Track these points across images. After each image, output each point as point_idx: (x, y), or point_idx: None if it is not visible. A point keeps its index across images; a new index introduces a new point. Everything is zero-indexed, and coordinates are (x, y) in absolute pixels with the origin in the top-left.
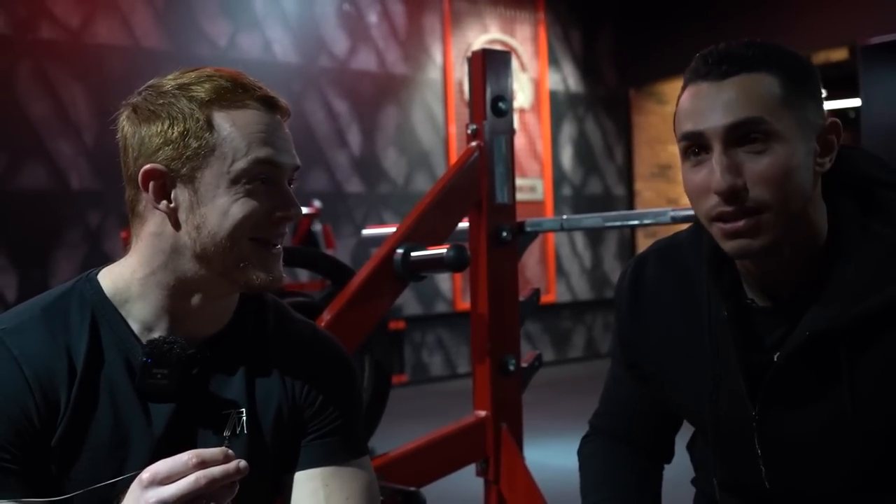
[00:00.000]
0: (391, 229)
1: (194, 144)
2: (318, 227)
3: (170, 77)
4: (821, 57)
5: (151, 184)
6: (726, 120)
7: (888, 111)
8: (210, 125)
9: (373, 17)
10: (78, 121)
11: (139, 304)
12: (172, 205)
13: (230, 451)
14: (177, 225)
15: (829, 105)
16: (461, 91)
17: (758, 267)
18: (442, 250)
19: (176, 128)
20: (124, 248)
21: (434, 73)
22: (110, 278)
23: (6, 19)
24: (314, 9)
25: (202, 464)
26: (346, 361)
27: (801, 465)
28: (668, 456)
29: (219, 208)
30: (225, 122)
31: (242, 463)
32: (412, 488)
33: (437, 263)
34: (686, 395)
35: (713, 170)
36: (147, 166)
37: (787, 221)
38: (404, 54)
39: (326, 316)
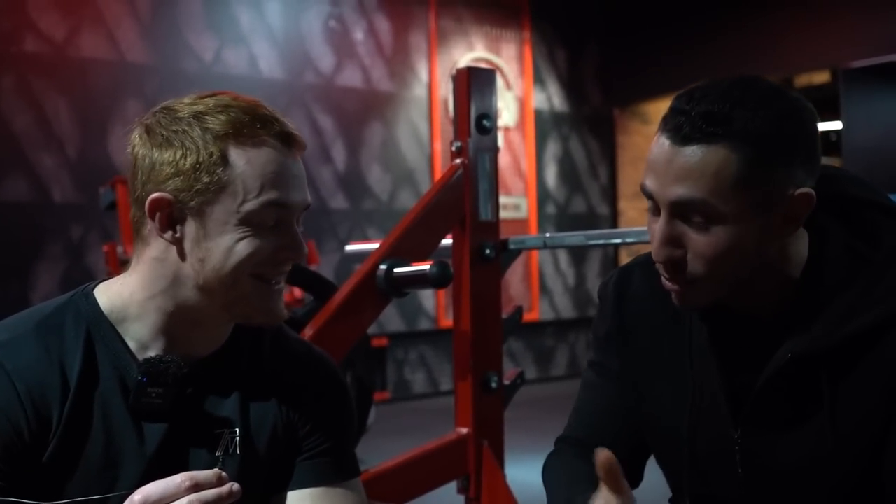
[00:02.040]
0: (375, 245)
1: (206, 179)
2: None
3: (187, 101)
4: (803, 80)
5: (158, 213)
6: (672, 195)
7: (869, 134)
8: (224, 160)
9: (359, 34)
10: (61, 134)
11: (136, 325)
12: (178, 235)
13: (224, 473)
14: (181, 255)
15: None
16: (446, 109)
17: (735, 298)
18: (425, 266)
19: (188, 159)
20: (106, 263)
21: (419, 91)
22: (107, 295)
23: None
24: (300, 25)
25: (195, 486)
26: (340, 382)
27: (782, 489)
28: (637, 480)
29: (224, 244)
30: (240, 160)
31: (235, 486)
32: None
33: (420, 279)
34: (665, 414)
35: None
36: (155, 195)
37: (728, 288)
38: (390, 71)
39: (309, 331)
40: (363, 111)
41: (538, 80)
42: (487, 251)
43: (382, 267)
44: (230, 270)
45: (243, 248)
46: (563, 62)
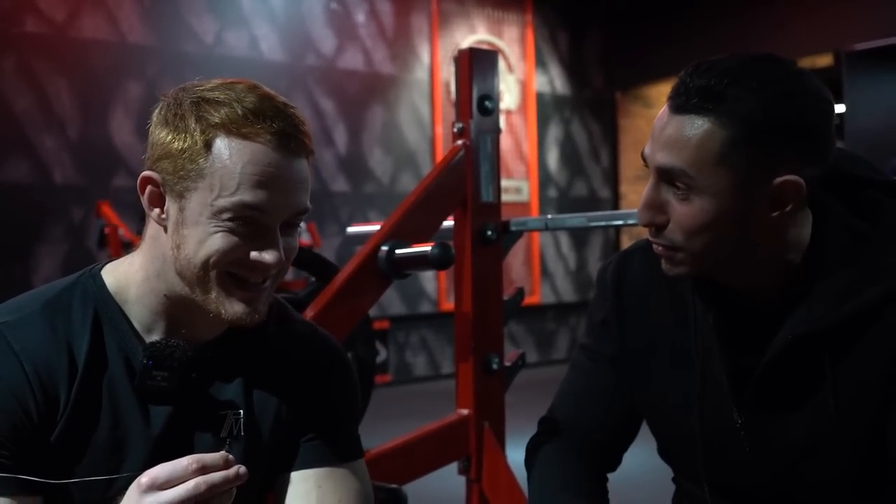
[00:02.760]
0: (376, 227)
1: (189, 165)
2: (302, 224)
3: (207, 85)
4: (805, 62)
5: (147, 189)
6: (657, 160)
7: (872, 117)
8: (208, 150)
9: (360, 16)
10: (62, 115)
11: (136, 307)
12: (164, 216)
13: (230, 456)
14: (166, 235)
15: None
16: (448, 91)
17: (731, 281)
18: (426, 248)
19: (177, 143)
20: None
21: (421, 73)
22: (114, 276)
23: None
24: (301, 7)
25: (202, 469)
26: (345, 363)
27: (790, 469)
28: (616, 463)
29: (197, 235)
30: (224, 151)
31: (242, 469)
32: (394, 486)
33: (421, 261)
34: (671, 398)
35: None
36: (146, 172)
37: (707, 262)
38: (391, 54)
39: (310, 312)
40: (364, 94)
41: (540, 63)
42: (489, 233)
43: (384, 248)
44: (200, 263)
45: (213, 242)
46: (565, 45)
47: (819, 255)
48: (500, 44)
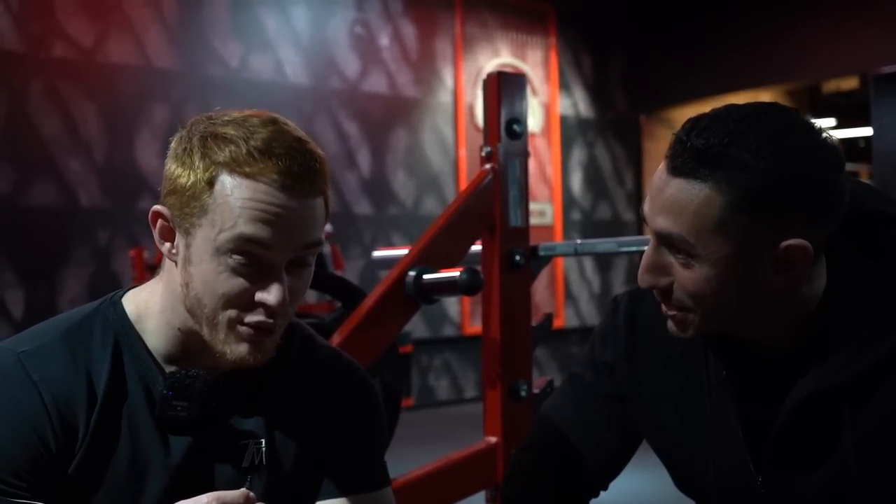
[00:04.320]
0: (402, 251)
1: (193, 202)
2: (326, 248)
3: (217, 117)
4: (831, 86)
5: (158, 223)
6: (656, 224)
7: None
8: (211, 187)
9: (384, 40)
10: (88, 139)
11: (154, 337)
12: (174, 250)
13: (251, 493)
14: (177, 270)
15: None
16: (472, 115)
17: (743, 334)
18: (455, 273)
19: (183, 179)
20: (133, 267)
21: (445, 97)
22: (135, 304)
23: (20, 37)
24: (326, 31)
25: None
26: (370, 391)
27: None
28: (598, 491)
29: (203, 274)
30: (225, 188)
31: None
32: None
33: (450, 286)
34: (685, 446)
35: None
36: (157, 206)
37: (721, 321)
38: (415, 77)
39: (337, 338)
40: (388, 117)
41: (564, 86)
42: (517, 258)
43: (411, 273)
44: (207, 303)
45: (219, 285)
46: (589, 68)
47: (835, 302)
48: (524, 67)
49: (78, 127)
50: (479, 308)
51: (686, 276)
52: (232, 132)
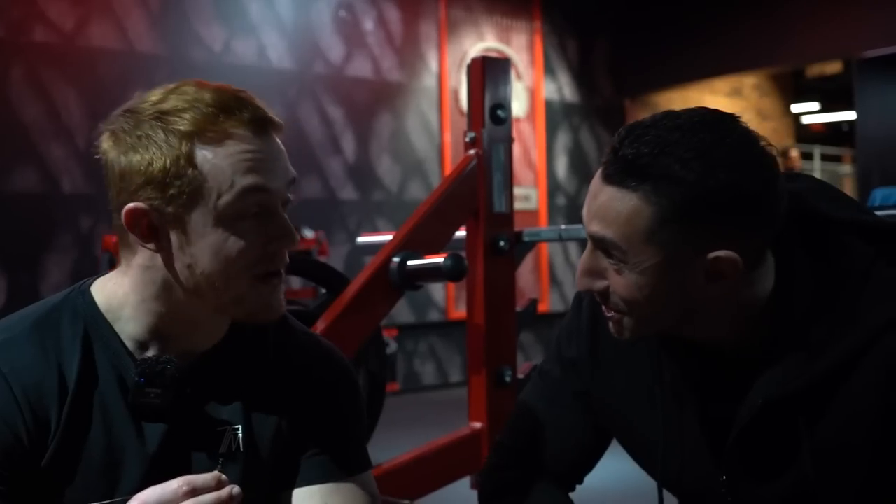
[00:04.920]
0: (387, 237)
1: (177, 183)
2: (309, 233)
3: (152, 99)
4: (815, 70)
5: (136, 224)
6: (591, 229)
7: (882, 124)
8: (192, 162)
9: (369, 24)
10: (70, 124)
11: (130, 324)
12: (161, 243)
13: (223, 476)
14: (167, 262)
15: (822, 118)
16: (456, 99)
17: (690, 335)
18: (439, 259)
19: (156, 165)
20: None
21: (429, 81)
22: (104, 294)
23: (0, 22)
24: (310, 15)
25: (193, 491)
26: (348, 374)
27: None
28: (574, 486)
29: (210, 247)
30: (207, 157)
31: (236, 489)
32: (406, 501)
33: (434, 272)
34: (649, 452)
35: None
36: (130, 205)
37: (653, 328)
38: (400, 62)
39: (321, 325)
40: (373, 102)
41: (549, 71)
42: (502, 243)
43: (395, 259)
44: (221, 273)
45: (231, 247)
46: (574, 52)
47: (785, 305)
48: (509, 51)
49: (59, 112)
50: (464, 293)
51: (619, 282)
52: (180, 104)
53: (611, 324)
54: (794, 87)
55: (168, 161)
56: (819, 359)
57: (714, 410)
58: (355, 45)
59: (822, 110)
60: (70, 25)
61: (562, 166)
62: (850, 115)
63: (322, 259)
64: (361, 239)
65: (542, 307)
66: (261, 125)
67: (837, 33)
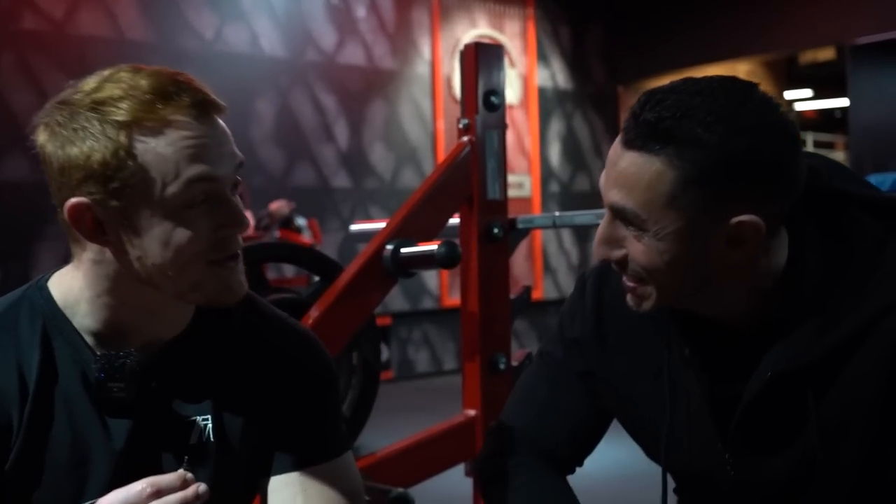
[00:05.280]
0: (380, 225)
1: (119, 176)
2: (302, 220)
3: (83, 89)
4: (808, 56)
5: (82, 217)
6: (609, 198)
7: (876, 112)
8: (131, 153)
9: (361, 11)
10: None
11: (88, 319)
12: (108, 237)
13: (189, 474)
14: (117, 255)
15: (815, 105)
16: (449, 86)
17: (703, 311)
18: (433, 247)
19: (95, 158)
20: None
21: (422, 68)
22: (60, 289)
23: None
24: (302, 2)
25: (158, 492)
26: (320, 355)
27: (776, 502)
28: (574, 469)
29: (158, 238)
30: (149, 147)
31: (202, 487)
32: (401, 489)
33: (427, 260)
34: (652, 432)
35: None
36: (72, 201)
37: (678, 294)
38: (392, 49)
39: (314, 312)
40: (365, 89)
41: (542, 58)
42: (495, 230)
43: (389, 247)
44: (172, 263)
45: (179, 237)
46: (567, 39)
47: (796, 281)
48: (502, 38)
49: (50, 100)
50: (458, 280)
51: (638, 250)
52: (116, 92)
53: (629, 296)
54: (787, 74)
55: (107, 154)
56: (828, 333)
57: (720, 390)
58: (347, 33)
59: (815, 97)
60: (60, 13)
61: (555, 153)
62: (843, 102)
63: (315, 246)
64: (355, 226)
65: (536, 294)
66: (202, 109)
67: (830, 20)
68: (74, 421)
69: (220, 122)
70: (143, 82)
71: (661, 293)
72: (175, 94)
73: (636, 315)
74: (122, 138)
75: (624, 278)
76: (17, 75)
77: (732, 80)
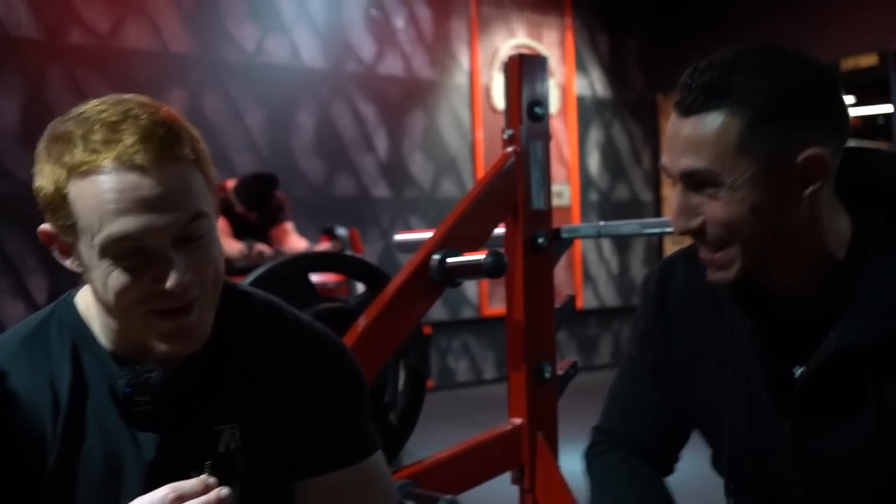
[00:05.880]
0: (423, 235)
1: (59, 214)
2: (342, 231)
3: (63, 118)
4: (850, 63)
5: (52, 243)
6: (680, 166)
7: None
8: (65, 195)
9: (400, 22)
10: None
11: (103, 337)
12: (75, 262)
13: (211, 479)
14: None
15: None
16: (488, 96)
17: (773, 285)
18: (480, 256)
19: (44, 193)
20: None
21: (461, 78)
22: (84, 304)
23: (37, 24)
24: (341, 14)
25: (180, 498)
26: (345, 358)
27: (833, 481)
28: (670, 470)
29: (99, 279)
30: (78, 193)
31: (224, 491)
32: (449, 496)
33: (474, 270)
34: (712, 407)
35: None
36: (42, 226)
37: (760, 252)
38: (431, 59)
39: (362, 322)
40: (405, 99)
41: (580, 67)
42: (540, 240)
43: (436, 257)
44: (114, 305)
45: (113, 282)
46: (606, 48)
47: (860, 262)
48: (540, 48)
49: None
50: (497, 290)
51: (716, 209)
52: (73, 130)
53: (710, 271)
54: None
55: (50, 192)
56: (891, 317)
57: (780, 368)
58: (387, 44)
59: (858, 104)
60: (106, 27)
61: (594, 162)
62: (887, 109)
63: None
64: (399, 236)
65: (577, 304)
66: (143, 156)
67: (872, 26)
68: (106, 433)
69: (173, 172)
70: (100, 118)
71: (744, 253)
72: (117, 140)
73: (698, 300)
74: (60, 181)
75: (702, 254)
76: (65, 89)
77: (767, 44)
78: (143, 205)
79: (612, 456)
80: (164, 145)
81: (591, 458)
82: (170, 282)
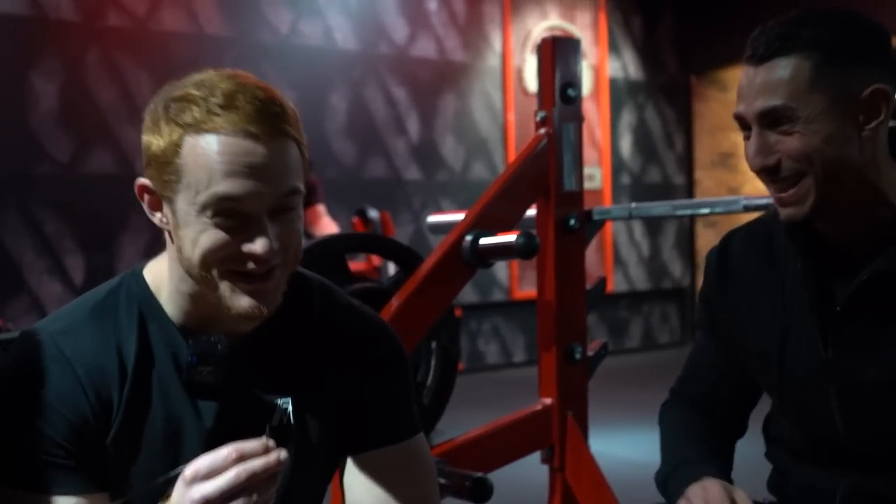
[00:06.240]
0: (457, 216)
1: (168, 168)
2: (374, 213)
3: (179, 85)
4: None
5: (145, 197)
6: (756, 107)
7: None
8: (177, 151)
9: (432, 5)
10: (143, 107)
11: (170, 307)
12: (164, 219)
13: (271, 441)
14: (171, 240)
15: None
16: (520, 78)
17: (830, 234)
18: (511, 237)
19: (153, 148)
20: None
21: (493, 61)
22: (152, 275)
23: (76, 7)
24: None
25: (242, 458)
26: (392, 341)
27: (874, 410)
28: (742, 430)
29: (190, 235)
30: (194, 149)
31: (283, 454)
32: (479, 474)
33: (506, 250)
34: (760, 344)
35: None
36: (140, 180)
37: (830, 185)
38: (463, 41)
39: (395, 302)
40: (437, 82)
41: (613, 48)
42: (572, 222)
43: (468, 238)
44: (197, 262)
45: (205, 240)
46: (639, 29)
47: None
48: (573, 29)
49: (133, 95)
50: (527, 273)
51: (791, 143)
52: (193, 92)
53: (783, 210)
54: None
55: (162, 147)
56: None
57: (829, 304)
58: (419, 26)
59: None
60: (143, 10)
61: (626, 145)
62: None
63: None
64: (432, 218)
65: (607, 287)
66: (259, 127)
67: None
68: (168, 401)
69: (281, 147)
70: (220, 88)
71: (817, 185)
72: (239, 107)
73: (753, 261)
74: (176, 137)
75: (775, 192)
76: (102, 71)
77: (823, 8)
78: (251, 170)
79: (674, 412)
80: (277, 119)
81: (660, 414)
82: (259, 246)
